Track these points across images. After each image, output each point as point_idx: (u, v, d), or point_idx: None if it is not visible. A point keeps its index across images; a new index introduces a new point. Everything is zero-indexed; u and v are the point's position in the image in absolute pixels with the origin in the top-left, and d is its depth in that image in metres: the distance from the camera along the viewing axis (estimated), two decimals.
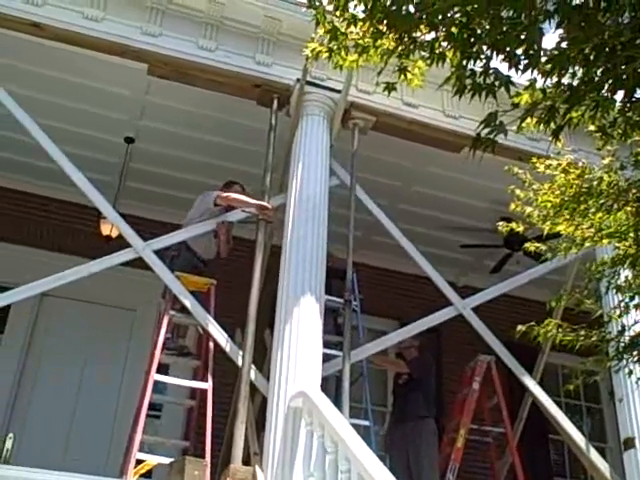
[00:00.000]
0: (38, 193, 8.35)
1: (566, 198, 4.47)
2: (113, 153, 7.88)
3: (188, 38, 6.50)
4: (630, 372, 4.77)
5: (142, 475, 5.37)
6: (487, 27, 2.90)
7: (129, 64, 6.45)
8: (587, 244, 4.70)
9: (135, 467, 5.29)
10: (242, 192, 6.67)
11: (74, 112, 7.21)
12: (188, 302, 5.92)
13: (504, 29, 2.85)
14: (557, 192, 4.55)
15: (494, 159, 6.74)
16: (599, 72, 2.83)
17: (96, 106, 7.19)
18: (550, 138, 3.19)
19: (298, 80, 6.47)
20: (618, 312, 5.05)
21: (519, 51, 2.88)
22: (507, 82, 3.07)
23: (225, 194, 6.49)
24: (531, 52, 2.85)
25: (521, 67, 2.92)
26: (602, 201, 4.31)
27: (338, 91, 6.55)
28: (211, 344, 5.99)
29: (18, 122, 6.15)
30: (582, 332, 4.86)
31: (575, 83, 2.95)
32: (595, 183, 4.37)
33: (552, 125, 3.10)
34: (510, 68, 2.98)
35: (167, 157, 7.88)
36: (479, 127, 3.17)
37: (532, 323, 4.96)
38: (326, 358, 5.74)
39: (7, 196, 8.26)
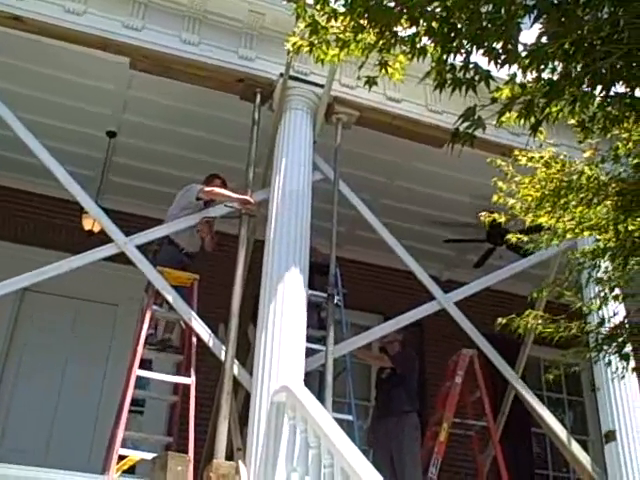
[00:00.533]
0: (20, 188, 8.29)
1: (547, 192, 4.50)
2: (95, 147, 7.83)
3: (171, 32, 6.47)
4: (609, 363, 4.81)
5: (125, 471, 5.35)
6: (467, 22, 2.91)
7: (111, 58, 6.41)
8: (569, 236, 4.73)
9: (118, 463, 5.27)
10: (224, 186, 6.67)
11: (56, 106, 7.17)
12: (171, 297, 5.91)
13: (483, 24, 2.85)
14: (538, 186, 4.57)
15: (477, 154, 6.81)
16: (578, 67, 2.84)
17: (78, 100, 7.14)
18: (530, 132, 3.20)
19: (281, 75, 6.46)
20: (598, 304, 5.10)
21: (498, 46, 2.89)
22: (487, 77, 3.07)
23: (208, 188, 6.47)
24: (509, 47, 2.85)
25: (500, 61, 2.93)
26: (582, 195, 4.34)
27: (321, 85, 6.54)
28: (194, 339, 5.97)
29: None
30: (562, 324, 4.90)
31: (555, 78, 2.96)
32: (575, 177, 4.39)
33: (532, 119, 3.12)
34: (490, 62, 2.99)
35: (150, 151, 7.85)
36: (457, 121, 3.18)
37: (512, 315, 5.00)
38: (309, 353, 5.75)
39: None
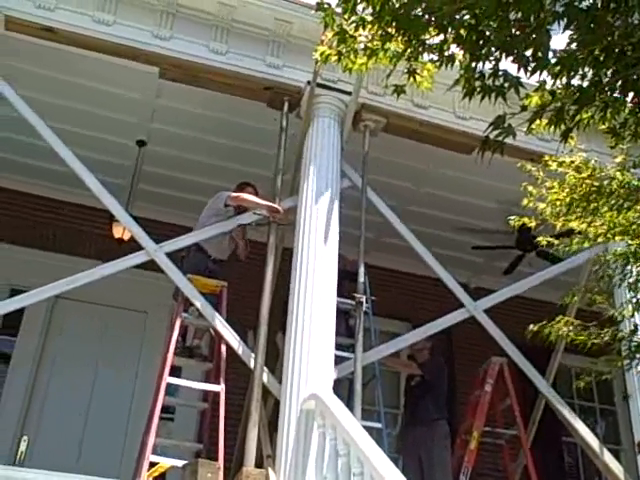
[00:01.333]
0: (51, 196, 8.39)
1: (577, 197, 4.46)
2: (125, 156, 7.91)
3: (199, 41, 6.51)
4: None
5: (155, 478, 5.37)
6: (496, 29, 2.89)
7: (140, 67, 6.48)
8: (600, 240, 4.68)
9: (148, 470, 5.30)
10: (255, 194, 6.69)
11: (86, 115, 7.25)
12: (199, 304, 5.93)
13: (512, 31, 2.84)
14: (568, 190, 4.53)
15: (505, 160, 6.72)
16: (609, 73, 2.81)
17: (108, 109, 7.22)
18: (560, 139, 3.18)
19: (309, 82, 6.48)
20: (630, 310, 5.03)
21: (528, 53, 2.87)
22: (516, 84, 3.06)
23: (235, 194, 6.50)
24: (539, 54, 2.83)
25: (530, 69, 2.91)
26: (613, 201, 4.30)
27: (349, 93, 6.54)
28: (223, 347, 5.99)
29: (31, 125, 6.18)
30: (594, 331, 4.84)
31: (585, 85, 2.94)
32: (606, 182, 4.35)
33: (562, 127, 3.09)
34: (519, 70, 2.97)
35: (178, 160, 7.91)
36: (487, 129, 3.16)
37: (543, 322, 4.95)
38: (338, 360, 5.73)
39: (21, 200, 8.32)
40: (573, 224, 4.76)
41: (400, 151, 7.35)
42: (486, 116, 3.71)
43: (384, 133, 6.89)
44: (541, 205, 4.90)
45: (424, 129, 6.93)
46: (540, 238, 5.29)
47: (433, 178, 7.96)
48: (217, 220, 6.46)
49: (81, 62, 6.52)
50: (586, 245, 4.95)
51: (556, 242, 5.23)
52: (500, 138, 3.13)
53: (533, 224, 5.07)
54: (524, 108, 3.21)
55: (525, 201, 4.99)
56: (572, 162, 4.64)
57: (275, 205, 6.18)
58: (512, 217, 5.29)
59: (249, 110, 6.88)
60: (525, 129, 3.23)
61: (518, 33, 2.80)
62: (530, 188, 4.96)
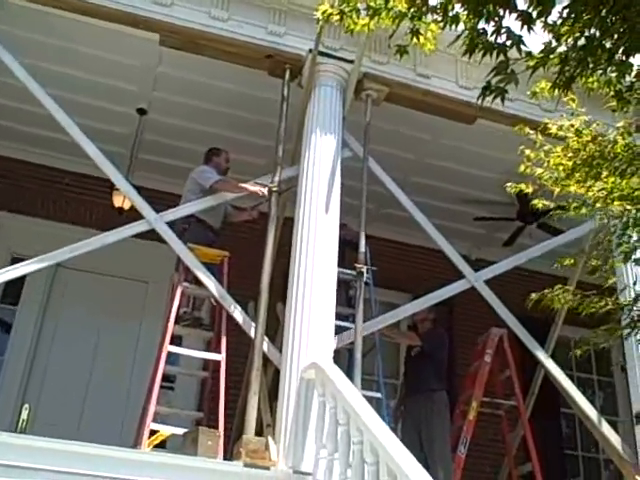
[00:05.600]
0: (53, 165, 8.37)
1: (579, 161, 4.40)
2: (125, 125, 7.87)
3: (200, 8, 6.43)
4: None
5: (156, 445, 5.41)
6: None
7: (140, 34, 6.39)
8: (598, 205, 4.64)
9: (149, 437, 5.34)
10: (226, 160, 6.91)
11: (86, 83, 7.19)
12: (201, 274, 5.93)
13: None
14: (570, 154, 4.47)
15: (508, 130, 6.73)
16: (615, 36, 2.76)
17: (108, 77, 7.16)
18: (564, 99, 3.12)
19: (310, 50, 6.41)
20: (632, 281, 5.02)
21: (534, 14, 2.81)
22: (518, 41, 2.99)
23: (220, 183, 6.50)
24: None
25: (535, 14, 2.84)
26: (616, 164, 4.24)
27: (351, 61, 6.49)
28: (224, 316, 6.00)
29: (31, 93, 6.13)
30: (595, 300, 4.83)
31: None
32: (609, 146, 4.29)
33: (564, 90, 3.04)
34: (523, 27, 2.91)
35: (179, 128, 7.86)
36: (489, 74, 3.10)
37: (545, 291, 4.93)
38: (338, 330, 5.75)
39: (22, 168, 8.29)
40: (571, 189, 4.71)
41: (402, 121, 7.31)
42: None
43: (386, 103, 6.84)
44: (539, 170, 4.84)
45: (426, 99, 6.87)
46: (535, 201, 5.23)
47: (435, 149, 7.91)
48: (204, 196, 6.47)
49: (81, 29, 6.44)
50: (584, 211, 4.90)
51: (552, 205, 5.17)
52: (502, 84, 3.07)
53: (530, 190, 5.03)
54: (528, 69, 3.14)
55: (522, 167, 4.95)
56: (572, 125, 4.58)
57: (257, 189, 6.21)
58: (509, 184, 5.25)
59: (250, 79, 6.82)
60: (528, 95, 3.17)
61: None
62: (528, 152, 4.91)
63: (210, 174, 6.57)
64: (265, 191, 6.14)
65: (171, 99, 7.47)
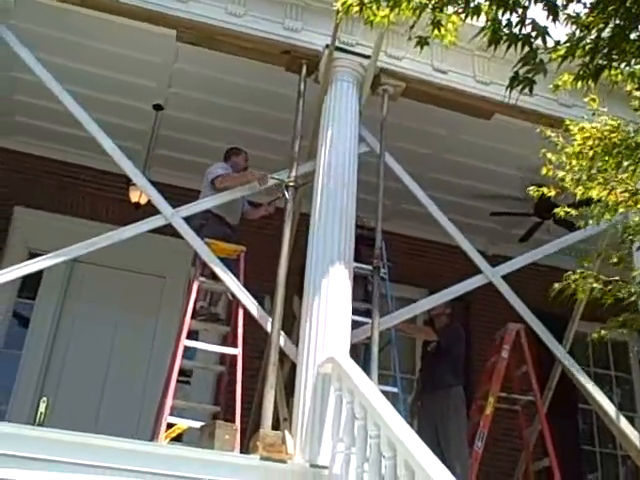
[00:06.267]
0: (70, 161, 8.42)
1: (599, 150, 4.34)
2: (142, 121, 7.89)
3: (216, 3, 6.44)
4: None
5: (173, 439, 5.43)
6: None
7: (158, 30, 6.42)
8: (621, 209, 4.61)
9: (166, 431, 5.36)
10: (245, 160, 6.92)
11: (103, 79, 7.22)
12: (217, 269, 5.94)
13: None
14: (590, 142, 4.41)
15: (526, 126, 6.71)
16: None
17: (125, 73, 7.19)
18: (585, 98, 3.10)
19: (327, 46, 6.41)
20: None
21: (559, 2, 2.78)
22: (544, 32, 2.96)
23: (221, 178, 6.52)
24: None
25: (560, 19, 2.82)
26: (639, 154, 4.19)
27: (367, 57, 6.48)
28: (240, 311, 6.01)
29: (49, 89, 6.16)
30: (618, 287, 4.80)
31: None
32: (632, 136, 4.24)
33: (589, 82, 3.01)
34: (548, 17, 2.87)
35: (196, 124, 7.88)
36: (517, 65, 3.07)
37: (568, 280, 4.90)
38: (355, 325, 5.74)
39: (40, 164, 8.34)
40: (593, 192, 4.68)
41: (419, 117, 7.29)
42: (507, 81, 3.65)
43: (403, 98, 6.82)
44: (561, 173, 4.82)
45: (443, 94, 6.85)
46: (557, 210, 5.23)
47: (452, 144, 7.89)
48: (216, 192, 6.50)
49: (97, 25, 6.47)
50: (607, 217, 4.87)
51: (574, 213, 5.16)
52: (530, 75, 3.03)
53: (552, 193, 5.00)
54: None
55: (544, 170, 4.92)
56: (593, 128, 4.55)
57: (257, 173, 6.27)
58: (531, 187, 5.23)
59: (267, 74, 6.83)
60: (548, 91, 3.15)
61: None
62: (549, 155, 4.88)
63: (216, 170, 6.59)
64: (268, 177, 6.16)
65: (187, 95, 7.48)
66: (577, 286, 4.90)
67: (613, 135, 4.29)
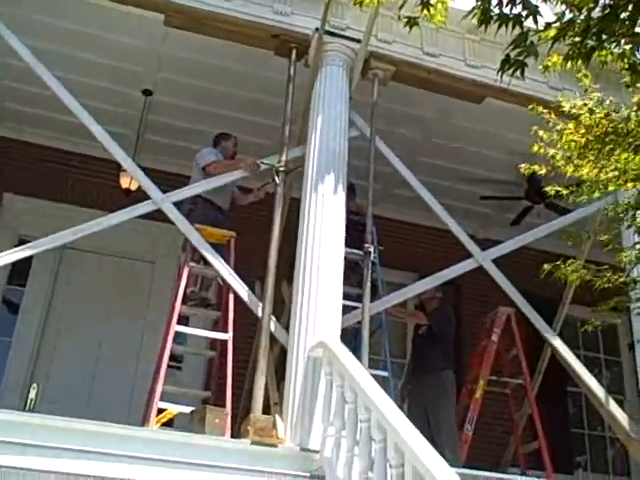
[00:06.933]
0: (59, 147, 8.38)
1: (591, 137, 4.35)
2: (131, 106, 7.85)
3: None
4: None
5: (163, 424, 5.44)
6: None
7: (146, 14, 6.36)
8: (611, 188, 4.61)
9: (157, 416, 5.36)
10: (234, 145, 6.92)
11: (91, 64, 7.18)
12: (208, 254, 5.93)
13: None
14: (582, 131, 4.42)
15: (516, 109, 6.69)
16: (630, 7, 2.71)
17: (113, 58, 7.14)
18: (577, 75, 3.07)
19: (317, 30, 6.37)
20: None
21: None
22: (535, 11, 2.93)
23: (214, 165, 6.52)
24: None
25: None
26: (630, 140, 4.19)
27: (358, 40, 6.44)
28: (231, 296, 6.01)
29: (37, 75, 6.11)
30: (609, 273, 4.82)
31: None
32: (623, 122, 4.24)
33: (578, 62, 2.99)
34: None
35: (185, 109, 7.85)
36: (508, 48, 3.05)
37: (558, 262, 4.92)
38: (345, 310, 5.75)
39: (29, 151, 8.31)
40: (584, 170, 4.68)
41: (409, 101, 7.28)
42: (497, 64, 3.63)
43: (393, 82, 6.79)
44: (552, 150, 4.81)
45: (434, 77, 6.82)
46: (548, 188, 5.23)
47: (442, 128, 7.88)
48: (206, 177, 6.50)
49: (85, 9, 6.41)
50: (596, 195, 4.88)
51: (565, 192, 5.16)
52: (521, 57, 3.01)
53: (543, 171, 5.00)
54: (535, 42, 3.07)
55: (535, 147, 4.91)
56: (585, 104, 4.54)
57: (248, 159, 6.27)
58: (522, 165, 5.22)
59: (256, 59, 6.79)
60: (539, 74, 3.13)
61: None
62: (541, 133, 4.87)
63: (208, 156, 6.58)
64: (258, 162, 6.17)
65: (176, 80, 7.45)
66: (567, 271, 4.91)
67: (604, 123, 4.28)
